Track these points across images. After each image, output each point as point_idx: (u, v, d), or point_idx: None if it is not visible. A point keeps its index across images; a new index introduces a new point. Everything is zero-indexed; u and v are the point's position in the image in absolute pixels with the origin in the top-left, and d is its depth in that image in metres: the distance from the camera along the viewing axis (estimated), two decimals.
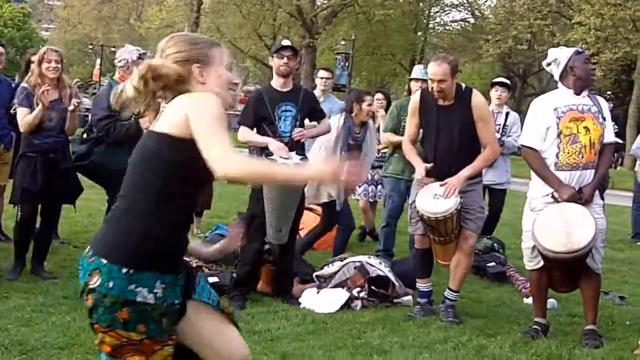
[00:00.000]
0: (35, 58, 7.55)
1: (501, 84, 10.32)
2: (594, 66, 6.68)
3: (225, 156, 2.93)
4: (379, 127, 9.91)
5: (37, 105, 7.35)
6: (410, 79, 9.73)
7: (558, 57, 6.74)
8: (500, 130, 9.84)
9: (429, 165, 6.93)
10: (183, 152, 3.06)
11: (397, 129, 9.10)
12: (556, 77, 6.80)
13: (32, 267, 7.68)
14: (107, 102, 8.04)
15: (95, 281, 3.02)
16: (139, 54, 8.22)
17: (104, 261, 3.03)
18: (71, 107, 7.53)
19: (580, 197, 6.50)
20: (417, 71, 9.60)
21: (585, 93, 6.68)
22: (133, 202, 3.14)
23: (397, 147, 9.03)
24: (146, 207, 3.09)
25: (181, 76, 3.23)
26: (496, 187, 10.00)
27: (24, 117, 7.38)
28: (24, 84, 7.56)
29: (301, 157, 7.11)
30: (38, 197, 7.53)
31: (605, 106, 6.78)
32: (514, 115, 10.15)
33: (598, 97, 6.81)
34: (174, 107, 3.17)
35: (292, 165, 3.40)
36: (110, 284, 3.00)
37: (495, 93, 10.14)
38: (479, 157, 6.96)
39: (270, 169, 3.28)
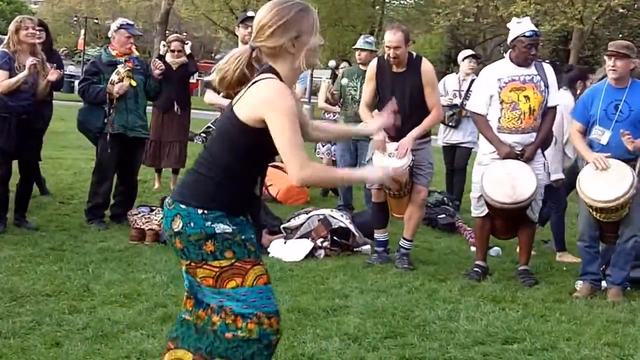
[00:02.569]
0: (11, 27, 7.35)
1: (473, 56, 10.35)
2: (534, 51, 6.69)
3: (301, 168, 3.03)
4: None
5: (17, 70, 7.25)
6: (355, 49, 9.66)
7: (512, 30, 6.81)
8: (464, 95, 9.86)
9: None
10: (254, 139, 3.10)
11: (343, 95, 9.15)
12: (508, 43, 6.90)
13: (16, 219, 7.62)
14: (94, 68, 7.98)
15: (178, 224, 3.15)
16: (118, 25, 8.12)
17: (183, 206, 3.15)
18: (52, 78, 7.39)
19: (522, 154, 6.63)
20: (360, 42, 9.59)
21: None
22: (209, 160, 3.21)
23: (341, 109, 9.36)
24: (218, 168, 3.17)
25: (274, 49, 3.16)
26: (461, 146, 10.12)
27: (4, 80, 7.21)
28: (3, 49, 7.38)
29: None
30: (13, 155, 7.44)
31: (551, 74, 6.84)
32: None
33: (544, 65, 6.86)
34: (253, 97, 3.09)
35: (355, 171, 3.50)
36: (192, 224, 3.12)
37: (468, 64, 10.14)
38: (425, 119, 6.97)
39: (338, 175, 3.48)
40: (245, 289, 3.13)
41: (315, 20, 3.20)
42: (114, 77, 7.73)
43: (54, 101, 8.57)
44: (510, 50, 6.84)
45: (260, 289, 3.17)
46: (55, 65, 7.68)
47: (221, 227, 3.11)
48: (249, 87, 3.14)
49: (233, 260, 3.13)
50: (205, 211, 3.12)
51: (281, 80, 3.13)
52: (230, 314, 3.14)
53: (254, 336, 3.14)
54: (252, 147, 3.13)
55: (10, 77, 7.20)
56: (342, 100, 9.55)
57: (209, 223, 3.11)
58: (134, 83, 7.83)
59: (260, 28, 3.16)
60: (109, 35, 8.23)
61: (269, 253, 7.20)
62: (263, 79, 3.11)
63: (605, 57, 6.53)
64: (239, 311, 3.13)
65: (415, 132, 6.89)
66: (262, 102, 3.04)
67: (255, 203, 3.39)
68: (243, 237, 3.16)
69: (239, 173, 3.17)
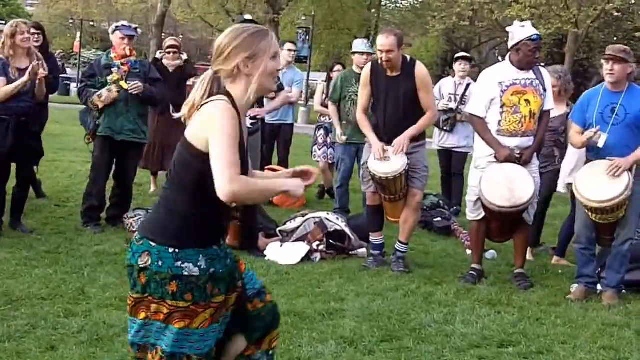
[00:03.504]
0: (6, 31, 7.33)
1: (464, 58, 10.32)
2: (538, 55, 6.73)
3: (230, 182, 2.95)
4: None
5: (13, 75, 7.24)
6: (353, 52, 9.62)
7: (514, 33, 6.79)
8: (460, 100, 9.86)
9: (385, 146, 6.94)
10: (207, 163, 3.03)
11: (340, 99, 9.10)
12: (509, 46, 6.87)
13: (11, 222, 7.61)
14: (91, 70, 8.00)
15: (145, 261, 3.12)
16: (114, 28, 8.16)
17: (152, 244, 3.12)
18: (40, 75, 7.37)
19: (520, 158, 6.64)
20: (359, 45, 9.54)
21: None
22: (173, 191, 3.19)
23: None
24: (183, 198, 3.14)
25: (231, 71, 3.17)
26: (456, 150, 10.13)
27: (1, 87, 7.18)
28: None
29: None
30: (8, 157, 7.40)
31: (548, 78, 6.88)
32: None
33: (542, 69, 6.89)
34: (202, 118, 3.10)
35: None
36: (160, 263, 3.09)
37: (459, 66, 10.13)
38: (420, 120, 6.97)
39: (259, 186, 3.23)
40: (189, 330, 3.14)
41: (272, 44, 3.20)
42: (103, 92, 7.71)
43: (49, 104, 8.57)
44: (510, 53, 6.81)
45: (204, 332, 3.17)
46: (43, 63, 7.67)
47: (189, 269, 3.10)
48: (199, 111, 3.14)
49: (189, 304, 3.12)
50: (177, 250, 3.10)
51: (234, 102, 3.12)
52: (160, 353, 3.17)
53: None
54: (207, 170, 3.04)
55: (6, 82, 7.19)
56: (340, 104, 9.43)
57: (179, 263, 3.09)
58: (125, 86, 7.80)
59: (217, 51, 3.20)
60: (111, 38, 8.23)
61: (265, 256, 7.20)
62: (210, 101, 3.12)
63: (603, 61, 6.55)
64: (171, 351, 3.14)
65: (411, 131, 6.89)
66: (206, 123, 3.05)
67: (226, 228, 3.39)
68: (206, 279, 3.13)
69: (204, 203, 3.12)
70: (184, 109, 3.23)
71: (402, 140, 6.85)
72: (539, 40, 6.75)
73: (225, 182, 2.95)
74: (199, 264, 3.11)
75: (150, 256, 3.11)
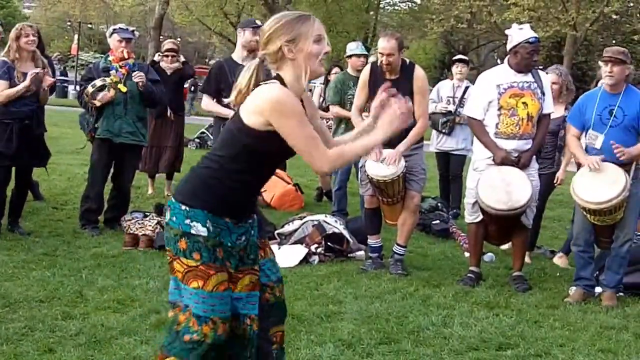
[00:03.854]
0: (12, 35, 7.37)
1: (461, 61, 10.31)
2: (536, 57, 6.72)
3: (327, 162, 3.18)
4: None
5: (18, 78, 7.27)
6: (348, 56, 9.60)
7: (512, 36, 6.79)
8: (458, 102, 9.87)
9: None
10: (256, 141, 3.19)
11: (343, 102, 9.07)
12: (507, 49, 6.88)
13: (9, 224, 7.62)
14: (89, 74, 8.01)
15: (167, 216, 3.33)
16: (111, 31, 8.18)
17: (173, 200, 3.33)
18: (45, 85, 7.39)
19: (518, 161, 6.64)
20: (355, 47, 9.54)
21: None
22: (207, 159, 3.34)
23: (343, 118, 9.14)
24: (212, 167, 3.29)
25: (275, 55, 3.26)
26: (454, 153, 10.13)
27: (4, 90, 7.22)
28: (3, 58, 7.39)
29: None
30: (12, 160, 7.42)
31: (547, 81, 6.91)
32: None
33: (540, 73, 6.90)
34: (256, 101, 3.18)
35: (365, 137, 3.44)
36: (174, 218, 3.28)
37: (456, 69, 10.13)
38: (410, 133, 6.89)
39: (355, 150, 3.29)
40: (205, 292, 3.25)
41: (315, 28, 3.28)
42: (96, 82, 7.71)
43: (47, 106, 8.55)
44: (509, 56, 6.82)
45: (221, 295, 3.27)
46: (48, 70, 7.69)
47: (197, 228, 3.24)
48: (254, 91, 3.23)
49: (199, 263, 3.24)
50: (187, 208, 3.26)
51: (285, 86, 3.21)
52: (190, 315, 3.28)
53: (208, 340, 3.27)
54: (251, 149, 3.22)
55: (10, 86, 7.22)
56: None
57: (188, 221, 3.24)
58: (124, 89, 7.81)
59: (261, 37, 3.31)
60: (108, 41, 8.24)
61: None
62: (265, 84, 3.21)
63: (602, 63, 6.55)
64: (196, 312, 3.26)
65: (402, 146, 6.87)
66: (266, 107, 3.12)
67: (249, 209, 3.45)
68: (214, 243, 3.26)
69: (231, 175, 3.26)
70: (232, 94, 3.33)
71: (394, 154, 6.83)
72: (537, 43, 6.74)
73: (322, 162, 3.16)
74: (207, 225, 3.24)
75: (169, 211, 3.32)
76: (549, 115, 6.87)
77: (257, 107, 3.15)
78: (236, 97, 3.30)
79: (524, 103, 6.68)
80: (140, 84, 7.80)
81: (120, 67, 7.88)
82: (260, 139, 3.17)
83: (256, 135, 3.16)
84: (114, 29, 8.13)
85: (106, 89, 7.75)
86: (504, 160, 6.63)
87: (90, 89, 7.70)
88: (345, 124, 9.06)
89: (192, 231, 3.23)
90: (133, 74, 7.83)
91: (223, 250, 3.29)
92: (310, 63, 3.25)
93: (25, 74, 7.27)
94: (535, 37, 6.73)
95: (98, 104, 7.72)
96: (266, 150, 3.24)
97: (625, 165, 6.37)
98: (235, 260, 3.35)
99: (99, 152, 7.94)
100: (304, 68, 3.24)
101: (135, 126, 7.94)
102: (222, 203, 3.28)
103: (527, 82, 6.72)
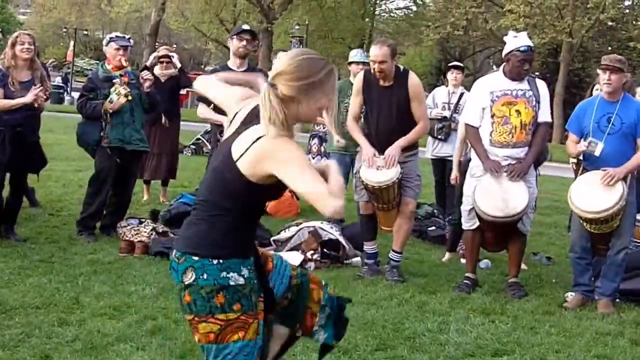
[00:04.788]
0: (9, 42, 7.39)
1: (456, 67, 10.31)
2: (527, 66, 6.72)
3: (330, 205, 2.99)
4: None
5: (13, 85, 7.29)
6: (349, 62, 9.65)
7: (507, 43, 6.84)
8: (453, 108, 9.87)
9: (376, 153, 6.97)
10: (255, 193, 3.14)
11: (339, 109, 9.10)
12: (503, 56, 6.92)
13: (4, 231, 7.63)
14: (91, 84, 8.03)
15: (190, 277, 3.12)
16: (108, 39, 8.22)
17: (195, 258, 3.13)
18: (42, 95, 7.41)
19: (512, 169, 6.64)
20: (356, 54, 9.58)
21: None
22: (211, 207, 3.19)
23: None
24: (222, 215, 3.16)
25: (286, 96, 3.08)
26: (451, 159, 10.07)
27: None
28: None
29: None
30: (6, 167, 7.44)
31: (543, 90, 6.88)
32: (467, 95, 10.17)
33: (537, 81, 6.90)
34: (255, 153, 3.06)
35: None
36: (205, 276, 3.10)
37: (451, 75, 10.14)
38: (412, 131, 6.99)
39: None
40: (244, 342, 3.16)
41: (335, 82, 3.19)
42: (113, 97, 7.75)
43: (42, 113, 8.56)
44: (504, 63, 6.86)
45: (256, 342, 3.21)
46: (48, 84, 7.74)
47: (235, 278, 3.12)
48: (249, 134, 3.11)
49: (239, 314, 3.14)
50: (221, 260, 3.12)
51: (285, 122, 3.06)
52: None
53: None
54: (254, 199, 3.19)
55: (4, 93, 7.24)
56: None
57: (224, 274, 3.11)
58: (129, 97, 7.86)
59: (288, 69, 3.08)
60: (104, 50, 8.28)
61: None
62: (263, 136, 3.06)
63: (599, 71, 6.58)
64: None
65: (402, 141, 6.91)
66: (266, 159, 3.03)
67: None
68: (251, 287, 3.18)
69: (242, 218, 3.20)
70: (266, 129, 3.06)
71: (393, 152, 6.87)
72: (529, 52, 6.70)
73: (327, 207, 2.99)
74: (242, 273, 3.15)
75: (194, 271, 3.12)
76: (545, 123, 6.88)
77: (258, 160, 3.05)
78: (274, 125, 3.04)
79: (517, 111, 6.69)
80: (148, 84, 7.94)
81: (122, 75, 7.92)
82: (259, 191, 3.14)
83: (256, 189, 3.11)
84: (111, 38, 8.17)
85: (116, 92, 7.80)
86: (491, 168, 6.64)
87: (107, 104, 7.74)
88: (340, 130, 9.08)
89: (232, 282, 3.11)
90: (142, 75, 7.97)
91: (255, 291, 3.22)
92: (312, 113, 3.17)
93: (21, 83, 7.29)
94: (527, 46, 6.70)
95: (111, 110, 7.76)
96: (265, 197, 3.26)
97: None
98: (257, 296, 3.28)
99: (109, 160, 7.92)
100: (305, 114, 3.15)
101: (141, 133, 8.06)
102: (247, 243, 3.24)
103: (522, 90, 6.74)
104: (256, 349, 3.20)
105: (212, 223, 3.17)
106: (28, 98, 7.22)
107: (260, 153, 3.05)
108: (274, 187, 3.14)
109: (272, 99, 3.03)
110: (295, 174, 3.02)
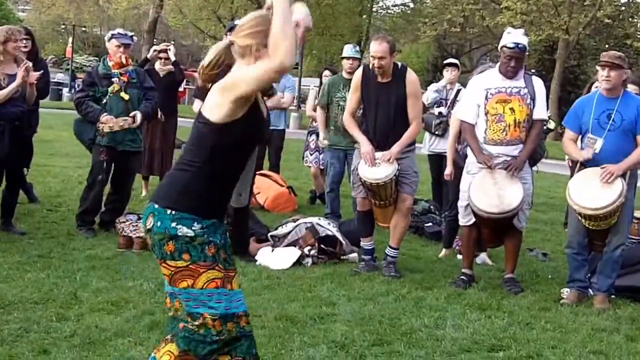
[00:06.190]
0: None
1: (451, 64, 10.30)
2: (514, 63, 6.69)
3: (273, 60, 3.17)
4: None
5: (2, 81, 7.27)
6: (342, 58, 9.67)
7: (501, 39, 6.81)
8: (450, 105, 9.86)
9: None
10: (221, 135, 3.32)
11: (330, 103, 9.13)
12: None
13: (2, 225, 7.66)
14: (90, 78, 8.00)
15: (149, 222, 3.38)
16: (109, 36, 8.21)
17: (156, 206, 3.37)
18: (32, 79, 7.40)
19: (507, 167, 6.65)
20: (347, 50, 9.59)
21: (521, 73, 6.78)
22: (182, 162, 3.44)
23: (329, 119, 9.27)
24: (189, 170, 3.37)
25: (244, 49, 3.36)
26: (447, 155, 10.06)
27: None
28: None
29: None
30: (3, 162, 7.45)
31: (539, 87, 6.86)
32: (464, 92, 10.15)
33: (533, 78, 6.87)
34: (213, 92, 3.33)
35: None
36: (159, 224, 3.33)
37: (447, 72, 10.12)
38: (405, 134, 6.98)
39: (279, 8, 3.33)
40: (195, 290, 3.33)
41: None
42: (105, 128, 7.72)
43: (41, 109, 8.57)
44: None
45: (210, 292, 3.34)
46: (41, 72, 7.70)
47: (184, 230, 3.30)
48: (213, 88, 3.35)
49: (188, 263, 3.32)
50: (173, 211, 3.32)
51: None
52: (184, 309, 3.40)
53: (202, 332, 3.35)
54: (220, 145, 3.32)
55: None
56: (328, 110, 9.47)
57: (174, 224, 3.31)
58: (125, 97, 7.84)
59: (240, 26, 3.42)
60: (107, 46, 8.25)
61: (256, 261, 7.21)
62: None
63: (598, 68, 6.56)
64: (189, 310, 3.36)
65: (396, 147, 6.93)
66: (224, 87, 3.26)
67: (226, 206, 3.60)
68: (202, 240, 3.32)
69: (208, 173, 3.35)
70: (199, 70, 3.45)
71: (389, 156, 6.89)
72: (517, 49, 6.64)
73: (274, 61, 3.15)
74: (193, 227, 3.31)
75: (153, 217, 3.37)
76: (540, 121, 6.87)
77: (218, 93, 3.28)
78: (199, 72, 3.44)
79: (510, 109, 6.69)
80: (140, 120, 7.89)
81: (121, 74, 7.89)
82: (225, 132, 3.29)
83: (221, 129, 3.28)
84: (113, 34, 8.14)
85: (106, 98, 7.77)
86: (485, 162, 6.65)
87: (105, 128, 7.72)
88: (332, 125, 9.12)
89: (179, 233, 3.30)
90: (131, 117, 7.84)
91: (216, 248, 3.36)
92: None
93: (9, 75, 7.28)
94: (515, 43, 6.65)
95: (107, 130, 7.74)
96: (233, 142, 3.35)
97: None
98: (222, 260, 3.39)
99: (101, 157, 7.93)
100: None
101: (136, 133, 8.00)
102: (205, 204, 3.36)
103: (517, 88, 6.73)
104: (205, 297, 3.32)
105: (175, 176, 3.43)
106: (17, 80, 7.21)
107: (216, 86, 3.31)
108: (236, 131, 3.30)
109: (224, 52, 3.41)
110: (251, 72, 3.25)
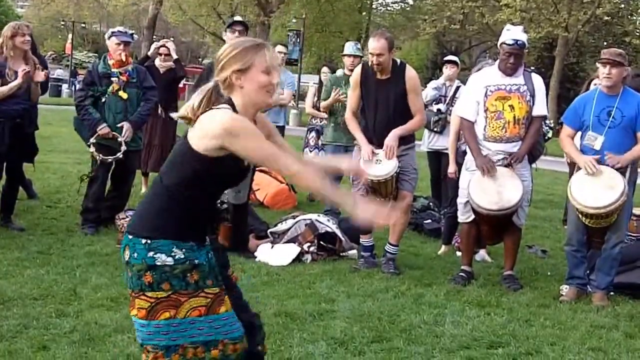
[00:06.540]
0: (7, 32, 7.37)
1: (450, 62, 10.29)
2: (512, 60, 6.68)
3: (288, 163, 3.16)
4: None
5: (9, 76, 7.30)
6: (343, 55, 9.67)
7: (500, 36, 6.80)
8: (449, 102, 9.86)
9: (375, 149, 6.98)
10: (206, 166, 3.14)
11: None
12: None
13: (2, 221, 7.66)
14: (90, 77, 7.99)
15: (126, 255, 3.19)
16: (109, 34, 8.20)
17: (130, 237, 3.20)
18: (39, 79, 7.42)
19: (507, 164, 6.66)
20: (349, 48, 9.58)
21: (521, 70, 6.76)
22: (157, 189, 3.27)
23: (330, 115, 9.30)
24: (165, 195, 3.21)
25: (225, 82, 3.22)
26: (446, 152, 10.07)
27: None
28: None
29: None
30: (3, 158, 7.47)
31: (539, 84, 6.85)
32: (463, 89, 10.15)
33: (533, 75, 6.86)
34: (206, 127, 3.13)
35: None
36: (135, 255, 3.16)
37: (446, 70, 10.12)
38: (409, 122, 6.99)
39: (326, 190, 3.23)
40: (177, 320, 3.17)
41: (267, 58, 3.22)
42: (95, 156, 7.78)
43: (40, 105, 8.55)
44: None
45: (192, 320, 3.19)
46: (39, 67, 7.70)
47: (162, 258, 3.13)
48: (204, 116, 3.18)
49: (170, 292, 3.15)
50: (149, 241, 3.15)
51: (235, 110, 3.17)
52: (151, 351, 3.23)
53: None
54: (202, 174, 3.16)
55: (2, 83, 7.23)
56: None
57: (151, 253, 3.14)
58: (124, 96, 7.83)
59: (217, 63, 3.25)
60: (107, 43, 8.24)
61: (255, 257, 7.21)
62: (215, 108, 3.16)
63: (599, 65, 6.55)
64: (166, 344, 3.18)
65: (399, 130, 6.90)
66: (219, 132, 3.06)
67: (210, 227, 3.40)
68: (184, 268, 3.15)
69: (187, 198, 3.18)
70: (182, 111, 3.25)
71: (392, 142, 6.86)
72: (515, 45, 6.64)
73: (287, 169, 3.15)
74: (172, 254, 3.14)
75: (129, 249, 3.19)
76: (539, 117, 6.86)
77: (210, 132, 3.08)
78: (186, 116, 3.22)
79: (510, 106, 6.68)
80: (128, 134, 7.85)
81: (121, 74, 7.88)
82: (211, 164, 3.13)
83: (207, 161, 3.12)
84: (112, 32, 8.13)
85: (105, 97, 7.77)
86: (482, 166, 6.63)
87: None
88: (333, 121, 9.12)
89: (158, 262, 3.13)
90: (123, 135, 7.81)
91: (199, 271, 3.19)
92: (257, 94, 3.21)
93: (16, 72, 7.28)
94: (514, 40, 6.64)
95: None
96: (218, 174, 3.20)
97: (621, 168, 6.39)
98: (214, 276, 3.25)
99: (100, 157, 7.89)
100: (250, 97, 3.21)
101: (135, 132, 7.97)
102: (183, 226, 3.19)
103: (516, 85, 6.72)
104: (186, 325, 3.16)
105: (150, 201, 3.27)
106: (19, 78, 7.22)
107: (213, 123, 3.10)
108: (224, 166, 3.15)
109: (210, 93, 3.22)
110: (249, 148, 3.11)
